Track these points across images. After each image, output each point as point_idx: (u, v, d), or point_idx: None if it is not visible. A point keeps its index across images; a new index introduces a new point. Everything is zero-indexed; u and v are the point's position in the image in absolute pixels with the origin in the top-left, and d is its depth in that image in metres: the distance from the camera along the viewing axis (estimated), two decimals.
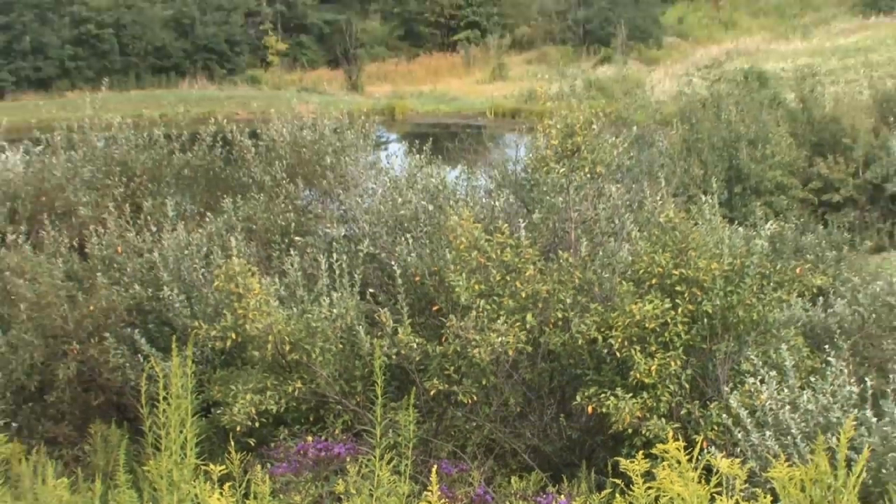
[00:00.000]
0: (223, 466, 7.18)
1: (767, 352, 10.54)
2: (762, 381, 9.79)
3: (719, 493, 5.76)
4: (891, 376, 9.91)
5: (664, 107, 36.18)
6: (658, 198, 12.97)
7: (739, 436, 9.41)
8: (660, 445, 5.89)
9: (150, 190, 14.04)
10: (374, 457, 7.51)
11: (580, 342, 10.90)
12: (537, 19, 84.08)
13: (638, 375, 10.42)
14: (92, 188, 13.71)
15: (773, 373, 9.85)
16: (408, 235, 12.52)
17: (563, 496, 9.26)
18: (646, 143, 24.59)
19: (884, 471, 8.49)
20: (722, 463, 5.92)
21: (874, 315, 11.49)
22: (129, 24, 77.86)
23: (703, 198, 12.13)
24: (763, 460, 8.68)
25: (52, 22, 76.30)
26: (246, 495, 7.38)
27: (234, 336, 11.19)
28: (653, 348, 10.56)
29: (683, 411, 10.51)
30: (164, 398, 6.85)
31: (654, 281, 10.90)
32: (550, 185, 12.33)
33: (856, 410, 9.07)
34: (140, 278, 12.55)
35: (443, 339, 11.15)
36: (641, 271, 11.08)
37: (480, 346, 10.73)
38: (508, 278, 11.21)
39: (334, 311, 11.33)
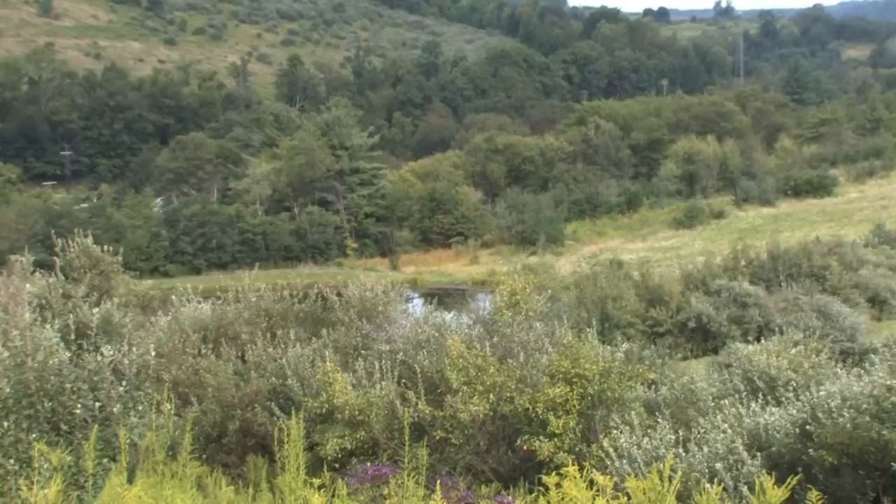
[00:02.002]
0: (320, 480, 7.18)
1: (624, 415, 10.49)
2: (621, 432, 9.76)
3: (598, 496, 5.79)
4: (693, 430, 9.88)
5: (565, 279, 36.49)
6: (563, 330, 12.97)
7: (609, 463, 9.35)
8: (564, 469, 5.95)
9: (281, 325, 14.04)
10: (405, 474, 7.52)
11: (520, 410, 10.86)
12: (495, 231, 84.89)
13: (552, 429, 10.40)
14: (249, 324, 13.71)
15: (627, 427, 9.83)
16: (423, 350, 12.53)
17: (510, 497, 9.19)
18: (556, 300, 24.80)
19: (689, 482, 8.45)
20: (599, 478, 5.96)
21: (683, 395, 11.46)
22: (270, 233, 78.65)
23: (588, 330, 12.18)
24: (622, 477, 8.63)
25: (228, 231, 77.12)
26: (333, 496, 7.34)
27: (327, 406, 11.19)
28: (560, 413, 10.54)
29: (577, 449, 10.42)
30: (287, 441, 6.90)
31: (560, 376, 10.87)
32: (503, 322, 12.33)
33: (674, 449, 9.05)
34: (275, 373, 12.49)
35: (443, 408, 11.12)
36: (553, 370, 11.06)
37: (464, 412, 10.73)
38: (479, 374, 11.21)
39: (382, 392, 11.33)
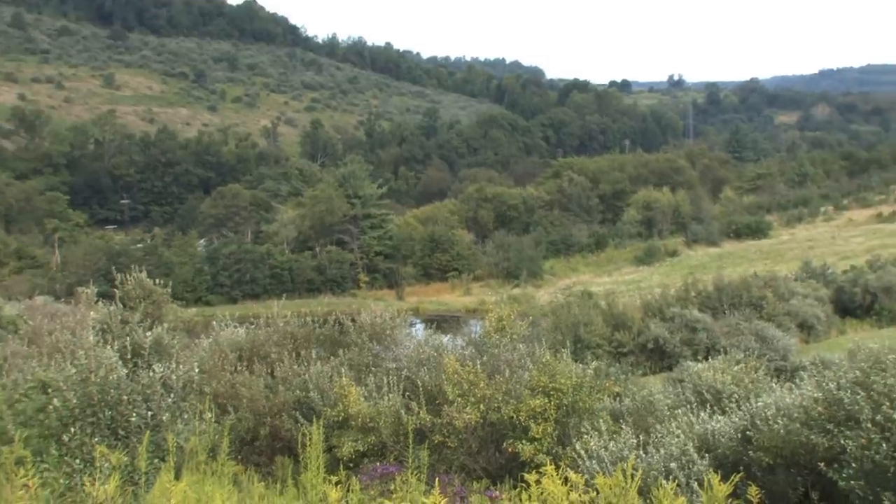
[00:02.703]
0: (337, 477, 7.16)
1: (593, 423, 10.43)
2: (591, 437, 9.69)
3: (571, 491, 5.79)
4: (651, 435, 9.81)
5: (544, 308, 36.39)
6: (542, 351, 12.92)
7: (580, 463, 9.29)
8: (543, 468, 5.96)
9: (304, 346, 13.95)
10: (409, 472, 7.51)
11: (506, 418, 10.80)
12: (484, 267, 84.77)
13: (533, 434, 10.34)
14: (277, 345, 13.64)
15: (596, 433, 9.76)
16: (424, 367, 12.46)
17: (498, 491, 9.13)
18: (536, 324, 24.73)
19: (649, 479, 8.40)
20: (572, 476, 5.95)
21: (643, 405, 11.38)
22: (296, 269, 78.43)
23: (563, 350, 12.14)
24: (592, 475, 8.57)
25: (260, 267, 76.90)
26: (348, 491, 7.32)
27: (343, 414, 11.10)
28: (539, 421, 10.48)
29: (554, 451, 10.34)
30: (309, 444, 6.90)
31: (540, 389, 10.83)
32: (492, 344, 12.29)
33: (635, 451, 9.00)
34: (299, 387, 12.37)
35: (441, 416, 11.06)
36: (534, 384, 11.02)
37: (459, 420, 10.68)
38: (471, 387, 11.16)
39: (390, 403, 11.26)
